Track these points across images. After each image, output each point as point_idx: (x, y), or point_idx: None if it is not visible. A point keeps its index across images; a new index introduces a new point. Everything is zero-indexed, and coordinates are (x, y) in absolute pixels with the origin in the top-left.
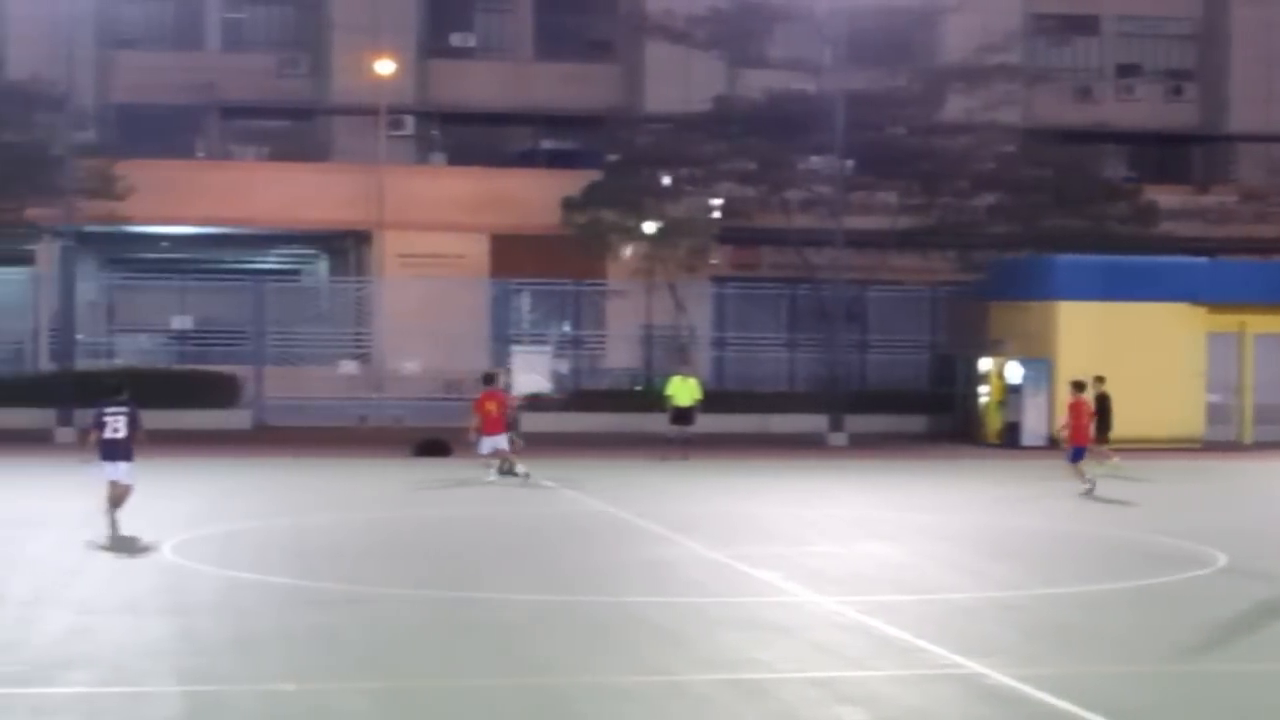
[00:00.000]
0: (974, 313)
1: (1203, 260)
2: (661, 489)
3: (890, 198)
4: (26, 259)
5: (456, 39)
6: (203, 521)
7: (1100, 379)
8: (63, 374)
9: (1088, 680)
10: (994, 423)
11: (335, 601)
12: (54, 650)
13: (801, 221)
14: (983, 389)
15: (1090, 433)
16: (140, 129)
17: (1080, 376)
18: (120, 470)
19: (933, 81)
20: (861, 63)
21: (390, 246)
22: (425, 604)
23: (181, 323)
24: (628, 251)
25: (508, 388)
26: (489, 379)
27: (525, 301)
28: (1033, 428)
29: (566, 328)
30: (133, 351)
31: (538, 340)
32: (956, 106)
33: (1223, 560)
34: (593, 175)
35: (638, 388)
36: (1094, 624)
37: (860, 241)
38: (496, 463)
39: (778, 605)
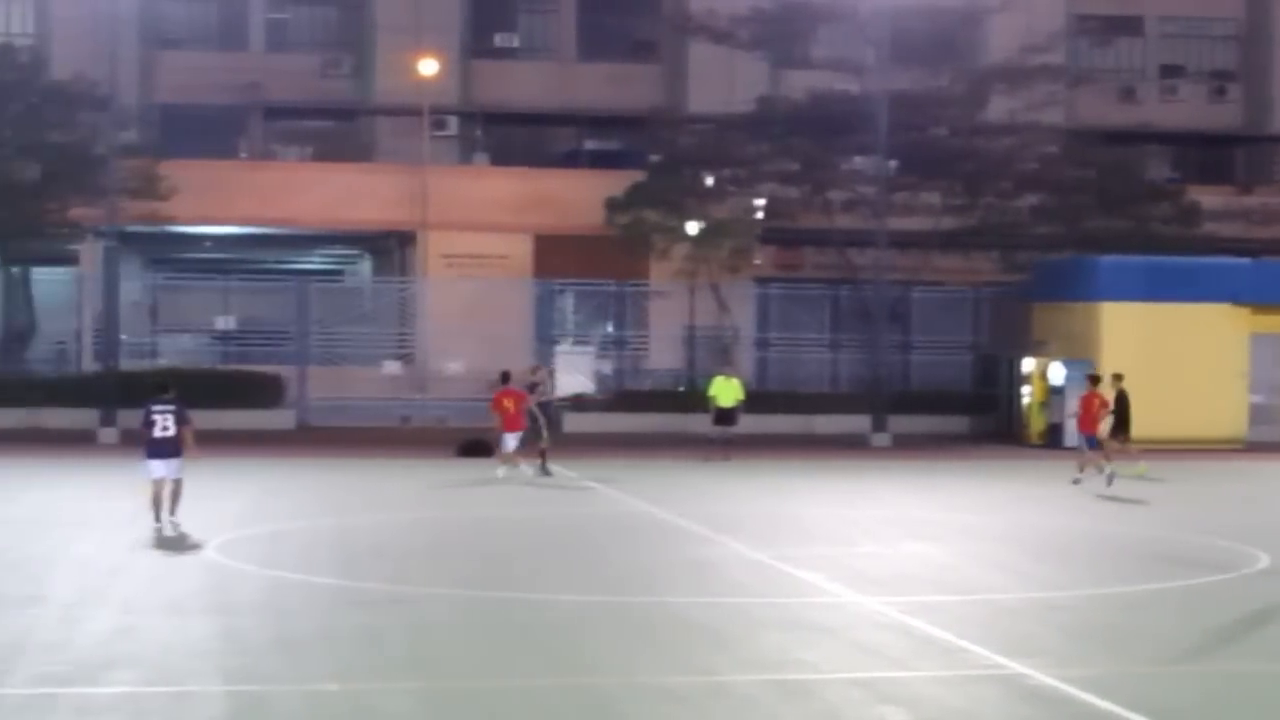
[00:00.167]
0: (1017, 313)
1: (1246, 261)
2: (704, 489)
3: (933, 198)
4: (70, 259)
5: (500, 39)
6: (246, 521)
7: (1119, 376)
8: (106, 374)
9: (1131, 681)
10: (1037, 424)
11: (379, 602)
12: (98, 650)
13: (844, 222)
14: (1025, 390)
15: (1101, 425)
16: (184, 129)
17: (1096, 372)
18: (171, 466)
19: (976, 82)
20: (905, 63)
21: (434, 247)
22: (469, 604)
23: (225, 323)
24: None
25: (540, 387)
26: (505, 377)
27: (568, 302)
28: (1075, 429)
29: (609, 328)
30: (176, 352)
31: (581, 341)
32: (1000, 107)
33: (1265, 561)
34: (636, 176)
35: (680, 388)
36: (1137, 624)
37: (903, 242)
38: (515, 461)
39: (821, 606)
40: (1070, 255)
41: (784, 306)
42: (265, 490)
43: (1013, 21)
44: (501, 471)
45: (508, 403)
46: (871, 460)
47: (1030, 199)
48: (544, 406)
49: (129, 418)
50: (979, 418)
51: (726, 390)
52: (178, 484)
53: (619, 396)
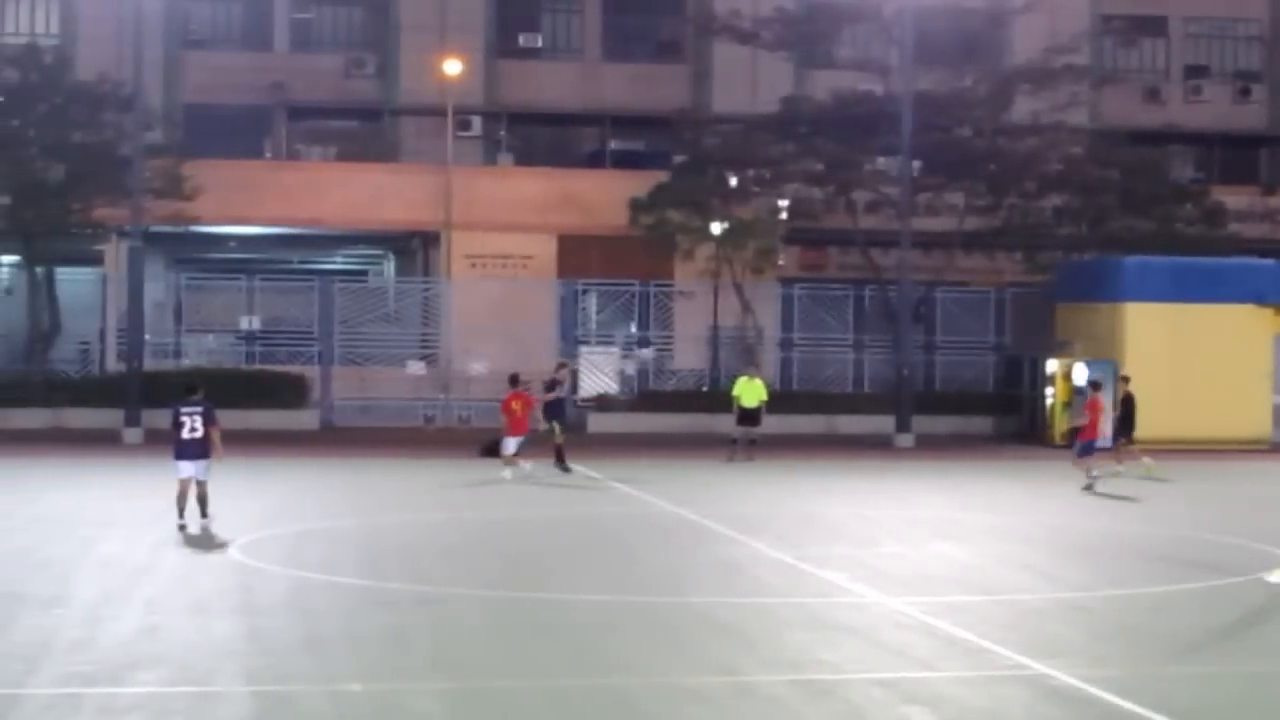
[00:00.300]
0: (1041, 314)
1: (1270, 262)
2: (727, 490)
3: (957, 199)
4: (95, 259)
5: (524, 39)
6: (271, 522)
7: (1125, 379)
8: (131, 374)
9: (1154, 681)
10: (1060, 424)
11: (404, 602)
12: (123, 650)
13: (868, 222)
14: (1049, 390)
15: (1103, 430)
16: (208, 129)
17: (1097, 377)
18: (199, 467)
19: (1000, 82)
20: (929, 64)
21: (458, 247)
22: (493, 604)
23: (249, 323)
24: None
25: (560, 386)
26: (514, 380)
27: (593, 302)
28: (1099, 429)
29: (634, 328)
30: (200, 352)
31: (605, 341)
32: (1024, 108)
33: None
34: (660, 176)
35: (704, 389)
36: (1161, 625)
37: (927, 242)
38: (515, 462)
39: (844, 606)
40: (1094, 256)
41: (808, 307)
42: (289, 490)
43: (1037, 22)
44: (508, 474)
45: (515, 405)
46: (895, 460)
47: (1054, 199)
48: (555, 405)
49: (153, 418)
50: (1003, 418)
51: (750, 390)
52: (202, 486)
53: (643, 397)
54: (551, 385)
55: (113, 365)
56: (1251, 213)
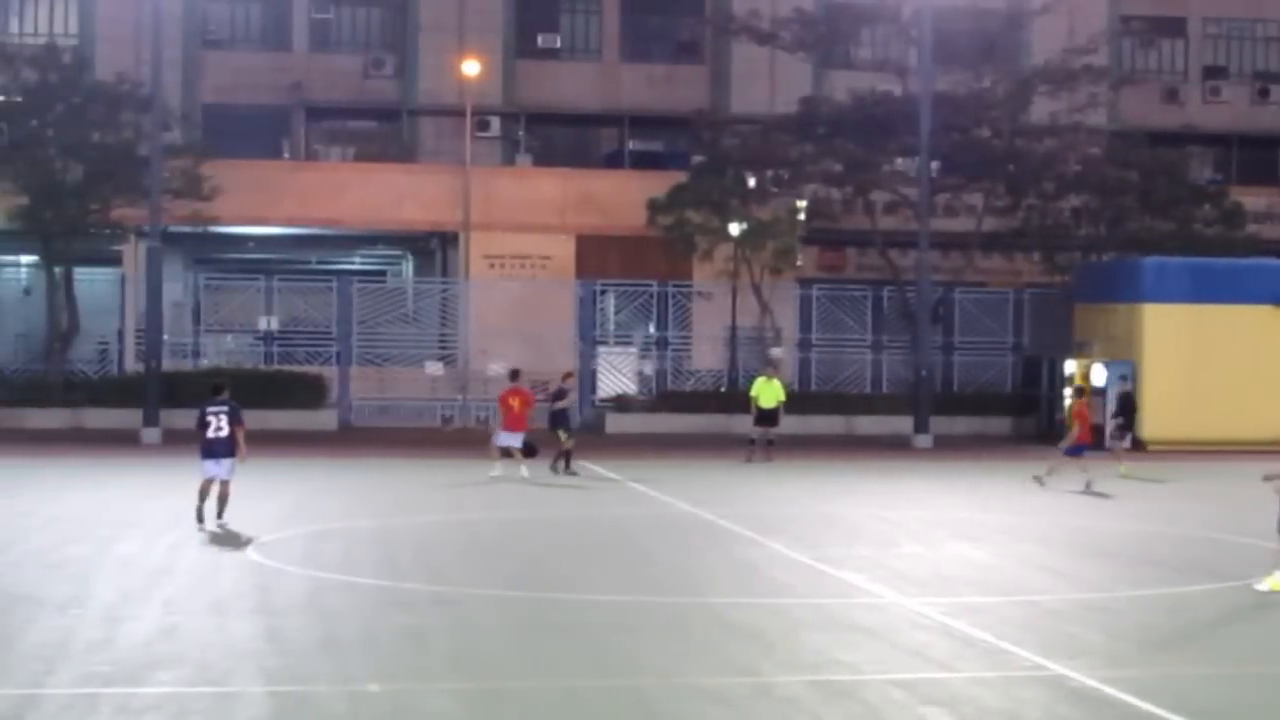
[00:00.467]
0: (1059, 314)
1: None
2: (745, 490)
3: (976, 200)
4: (113, 260)
5: (543, 40)
6: (289, 522)
7: (1124, 378)
8: (149, 375)
9: (1173, 682)
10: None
11: (421, 602)
12: (141, 650)
13: (887, 223)
14: (1067, 391)
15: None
16: (227, 130)
17: (1080, 383)
18: (223, 467)
19: (1019, 83)
20: (948, 65)
21: (476, 247)
22: (511, 605)
23: (268, 323)
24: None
25: (569, 395)
26: (514, 375)
27: (611, 303)
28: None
29: (652, 329)
30: (219, 352)
31: (623, 341)
32: (1043, 108)
33: None
34: (679, 176)
35: (722, 389)
36: (1179, 626)
37: (946, 243)
38: (513, 459)
39: (862, 607)
40: (1113, 257)
41: (826, 307)
42: (307, 491)
43: (1056, 23)
44: (497, 470)
45: (513, 401)
46: (913, 461)
47: (1073, 200)
48: (561, 414)
49: (171, 418)
50: (1021, 419)
51: (768, 391)
52: (225, 486)
53: (661, 397)
54: (560, 394)
55: (131, 365)
56: (1270, 213)
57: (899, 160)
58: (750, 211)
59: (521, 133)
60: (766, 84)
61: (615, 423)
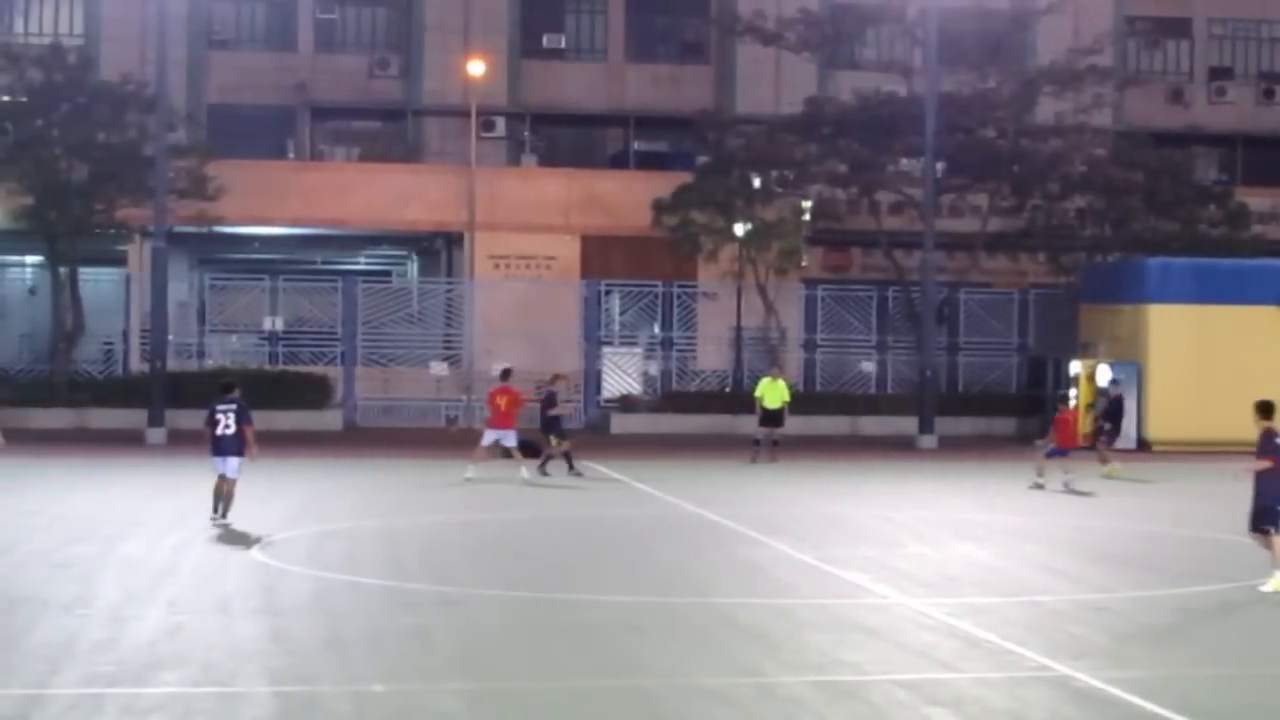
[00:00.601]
0: (1064, 315)
1: None
2: (750, 491)
3: (981, 200)
4: (118, 260)
5: (548, 40)
6: (294, 522)
7: (1115, 382)
8: (154, 375)
9: (1178, 683)
10: (1084, 425)
11: (426, 603)
12: (145, 650)
13: (892, 224)
14: (1072, 392)
15: (1079, 439)
16: (232, 130)
17: (1065, 391)
18: (230, 465)
19: (1024, 84)
20: (953, 65)
21: (481, 248)
22: (516, 605)
23: (273, 324)
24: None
25: (557, 398)
26: (505, 374)
27: (616, 303)
28: (1123, 431)
29: (657, 329)
30: (224, 352)
31: (628, 342)
32: (1048, 109)
33: None
34: (684, 177)
35: (727, 389)
36: (1185, 627)
37: (951, 244)
38: (485, 457)
39: (867, 607)
40: (1118, 257)
41: (831, 308)
42: (312, 491)
43: (1061, 23)
44: (471, 471)
45: (500, 400)
46: (918, 462)
47: (1078, 201)
48: (554, 420)
49: (176, 418)
50: (1026, 419)
51: (773, 391)
52: (230, 485)
53: (666, 398)
54: (549, 400)
55: (136, 365)
56: (1275, 214)
57: (904, 161)
58: (755, 212)
59: (526, 133)
60: (771, 84)
61: (620, 423)
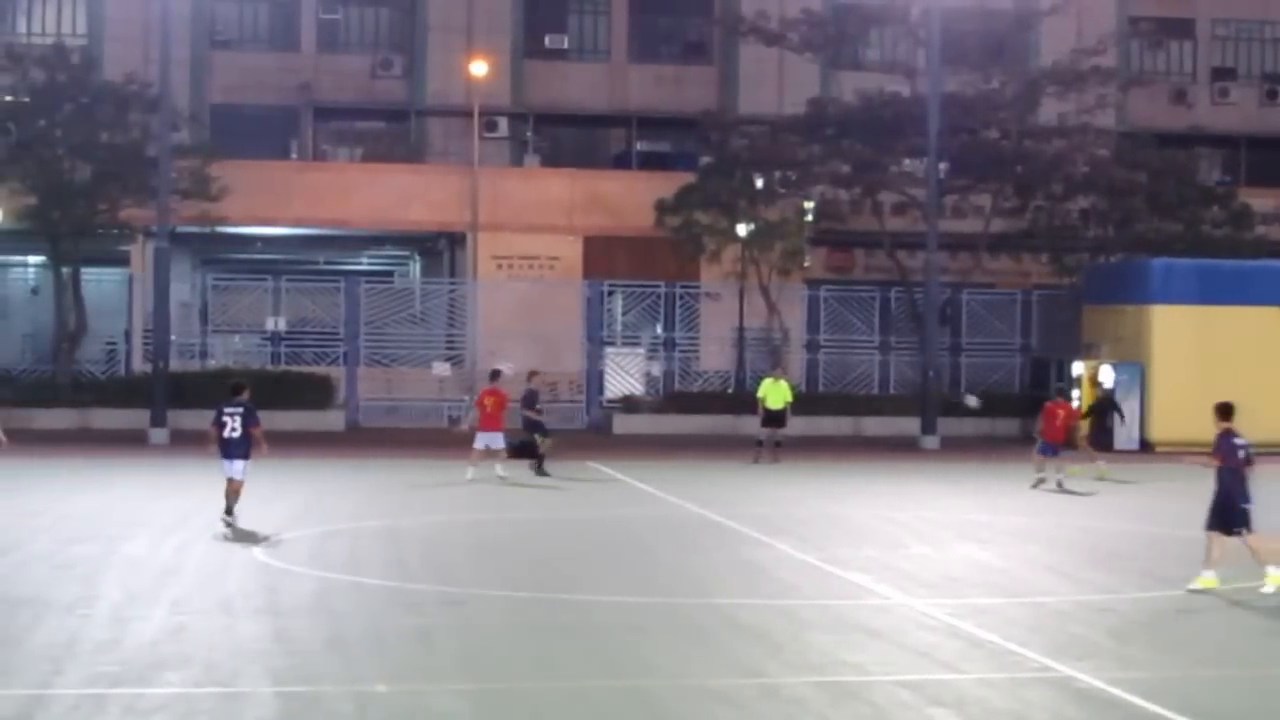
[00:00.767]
0: (1067, 316)
1: None
2: (753, 491)
3: (984, 201)
4: (121, 260)
5: (551, 40)
6: (296, 522)
7: (1098, 384)
8: (156, 375)
9: (1181, 684)
10: (1086, 426)
11: (429, 603)
12: (148, 650)
13: (895, 224)
14: (1075, 393)
15: (1067, 433)
16: (235, 130)
17: (1060, 384)
18: (236, 468)
19: (1027, 85)
20: (956, 66)
21: (484, 248)
22: (519, 606)
23: (275, 324)
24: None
25: (537, 396)
26: (494, 375)
27: (619, 303)
28: (1126, 431)
29: (659, 330)
30: (226, 352)
31: (631, 342)
32: (1051, 110)
33: None
34: (687, 177)
35: (729, 390)
36: (1187, 627)
37: (954, 244)
38: (476, 460)
39: (869, 608)
40: (1121, 258)
41: (834, 308)
42: (314, 491)
43: (1064, 24)
44: (470, 473)
45: (487, 401)
46: (921, 462)
47: (1081, 201)
48: (536, 422)
49: (179, 418)
50: (1029, 420)
51: (775, 392)
52: (237, 486)
53: (669, 398)
54: (531, 399)
55: (139, 366)
56: (1278, 215)
57: (907, 161)
58: (758, 212)
59: (529, 133)
60: (775, 85)
61: (622, 423)
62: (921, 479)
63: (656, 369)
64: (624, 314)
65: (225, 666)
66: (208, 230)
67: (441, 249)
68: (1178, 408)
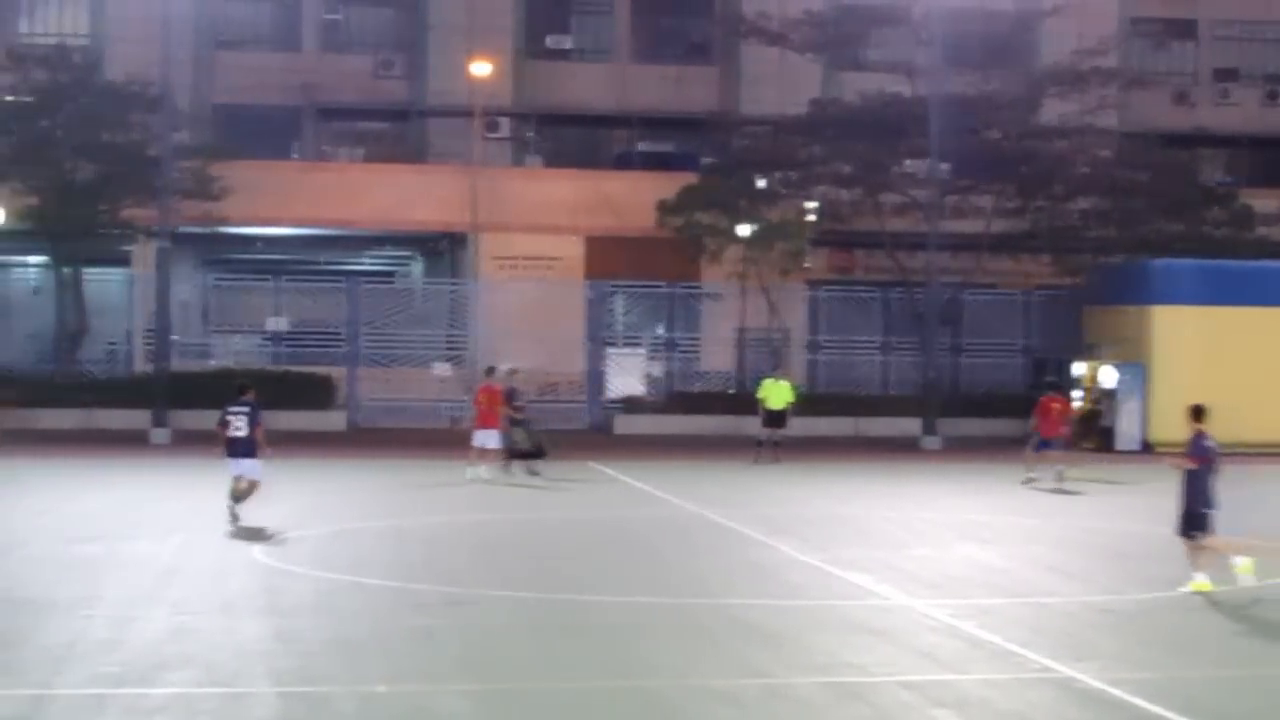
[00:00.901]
0: (1069, 317)
1: None
2: (754, 492)
3: (986, 201)
4: (123, 260)
5: (553, 40)
6: (298, 523)
7: (1088, 388)
8: (158, 375)
9: (1184, 685)
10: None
11: (432, 604)
12: (150, 651)
13: (897, 225)
14: (1077, 393)
15: (1062, 430)
16: (238, 130)
17: (1052, 379)
18: (244, 466)
19: (1029, 85)
20: (958, 66)
21: (486, 248)
22: (522, 606)
23: (277, 324)
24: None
25: (519, 394)
26: (489, 371)
27: (620, 304)
28: (1127, 432)
29: (661, 330)
30: (228, 352)
31: (633, 342)
32: (1053, 110)
33: None
34: (689, 178)
35: (731, 390)
36: (1191, 628)
37: (955, 245)
38: (475, 459)
39: (872, 609)
40: (1123, 259)
41: (836, 309)
42: (316, 491)
43: (1066, 25)
44: (476, 473)
45: (481, 398)
46: (922, 463)
47: (1083, 202)
48: (519, 421)
49: (181, 418)
50: (1030, 421)
51: (776, 393)
52: (251, 485)
53: (670, 399)
54: (510, 396)
55: (140, 366)
56: None
57: (908, 162)
58: (760, 213)
59: (531, 133)
60: (776, 85)
61: (624, 424)
62: (923, 480)
63: (658, 369)
64: (625, 314)
65: (227, 667)
66: (210, 230)
67: (443, 249)
68: (1180, 408)
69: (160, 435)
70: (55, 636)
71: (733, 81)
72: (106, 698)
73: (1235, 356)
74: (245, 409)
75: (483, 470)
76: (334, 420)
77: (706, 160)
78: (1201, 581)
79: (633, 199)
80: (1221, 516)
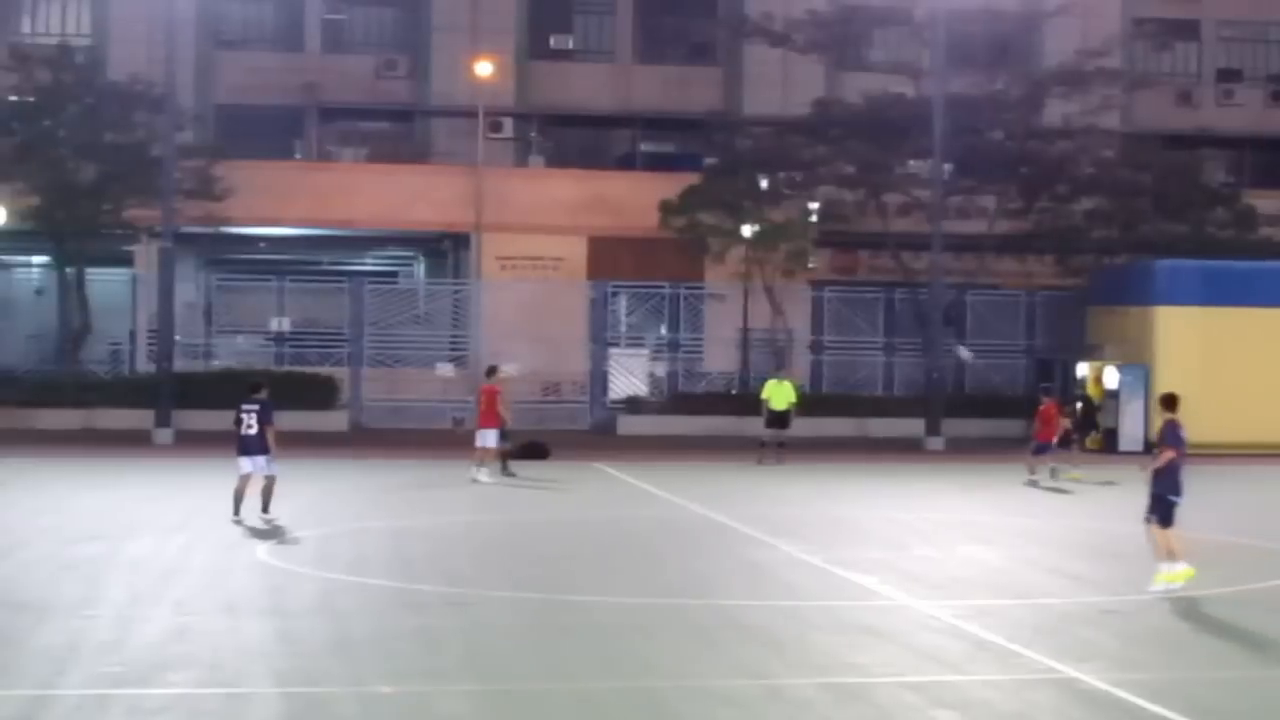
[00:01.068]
0: (1073, 317)
1: None
2: (757, 492)
3: (989, 202)
4: (126, 260)
5: (556, 41)
6: (300, 523)
7: (1081, 385)
8: (161, 375)
9: (1186, 686)
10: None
11: (433, 604)
12: (152, 651)
13: (900, 225)
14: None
15: (1059, 433)
16: (240, 130)
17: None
18: (258, 464)
19: (1032, 86)
20: (961, 67)
21: (489, 249)
22: (524, 607)
23: (280, 324)
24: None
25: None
26: (490, 372)
27: (623, 304)
28: (1130, 433)
29: (664, 331)
30: (231, 353)
31: (635, 343)
32: (1056, 111)
33: None
34: (692, 178)
35: (733, 391)
36: (1193, 629)
37: (959, 246)
38: (490, 461)
39: (874, 609)
40: (1126, 259)
41: (839, 309)
42: (318, 492)
43: (1069, 25)
44: (480, 473)
45: (482, 398)
46: (925, 463)
47: (1086, 203)
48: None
49: (183, 419)
50: (1033, 421)
51: (779, 393)
52: (268, 481)
53: (673, 399)
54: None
55: (143, 366)
56: None
57: (912, 162)
58: (763, 213)
59: (534, 134)
60: (780, 86)
61: (627, 424)
62: (926, 480)
63: (661, 370)
64: (628, 315)
65: (229, 667)
66: (212, 230)
67: (446, 249)
68: (1182, 409)
69: (163, 436)
70: (57, 636)
71: (735, 82)
72: (108, 698)
73: (1239, 357)
74: (258, 406)
75: (484, 471)
76: (337, 420)
77: (709, 161)
78: (1184, 570)
79: (635, 199)
80: (1227, 520)
